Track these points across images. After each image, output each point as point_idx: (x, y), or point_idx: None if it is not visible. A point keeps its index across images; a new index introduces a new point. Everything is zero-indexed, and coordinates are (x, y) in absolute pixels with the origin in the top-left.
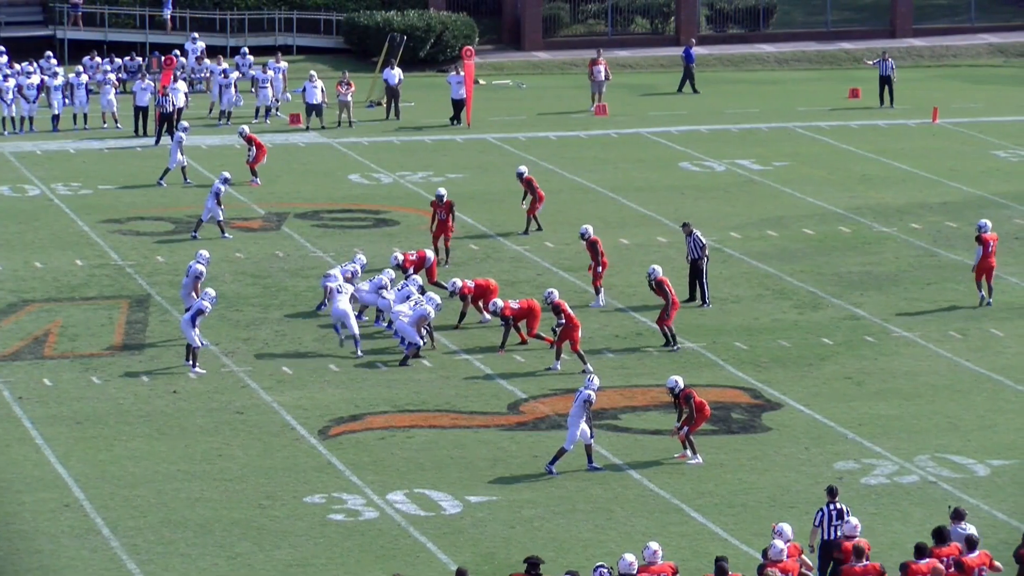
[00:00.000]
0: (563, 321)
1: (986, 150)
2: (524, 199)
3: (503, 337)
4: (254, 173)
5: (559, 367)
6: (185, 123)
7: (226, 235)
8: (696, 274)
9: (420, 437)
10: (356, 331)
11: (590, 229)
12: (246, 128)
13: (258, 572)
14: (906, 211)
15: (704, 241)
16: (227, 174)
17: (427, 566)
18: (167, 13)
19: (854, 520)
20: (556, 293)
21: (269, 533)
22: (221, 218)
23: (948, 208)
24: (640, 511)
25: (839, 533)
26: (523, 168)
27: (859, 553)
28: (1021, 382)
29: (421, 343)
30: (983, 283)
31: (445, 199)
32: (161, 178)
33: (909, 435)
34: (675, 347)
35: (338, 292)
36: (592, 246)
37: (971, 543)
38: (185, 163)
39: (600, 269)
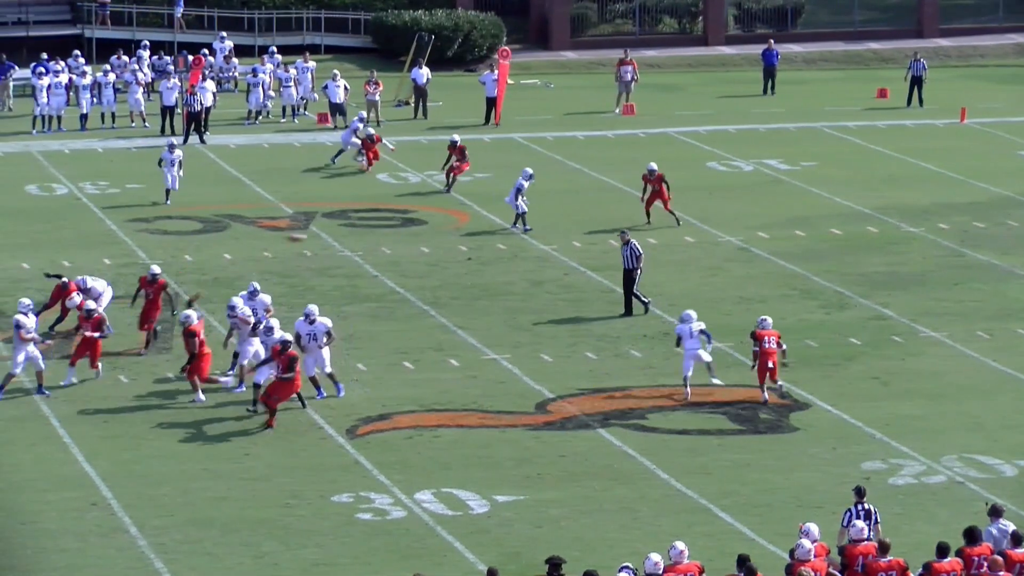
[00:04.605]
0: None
1: (1013, 150)
2: (448, 162)
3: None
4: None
5: (202, 399)
6: (174, 140)
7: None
8: (629, 284)
9: (447, 436)
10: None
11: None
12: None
13: (284, 571)
14: (932, 211)
15: (640, 251)
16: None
17: (454, 566)
18: (179, 11)
19: (860, 523)
20: (194, 317)
21: (295, 532)
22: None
23: (975, 208)
24: (666, 511)
25: (868, 535)
26: (456, 137)
27: (884, 548)
28: None
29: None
30: None
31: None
32: (167, 199)
33: (936, 435)
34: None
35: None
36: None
37: (1017, 539)
38: (176, 186)
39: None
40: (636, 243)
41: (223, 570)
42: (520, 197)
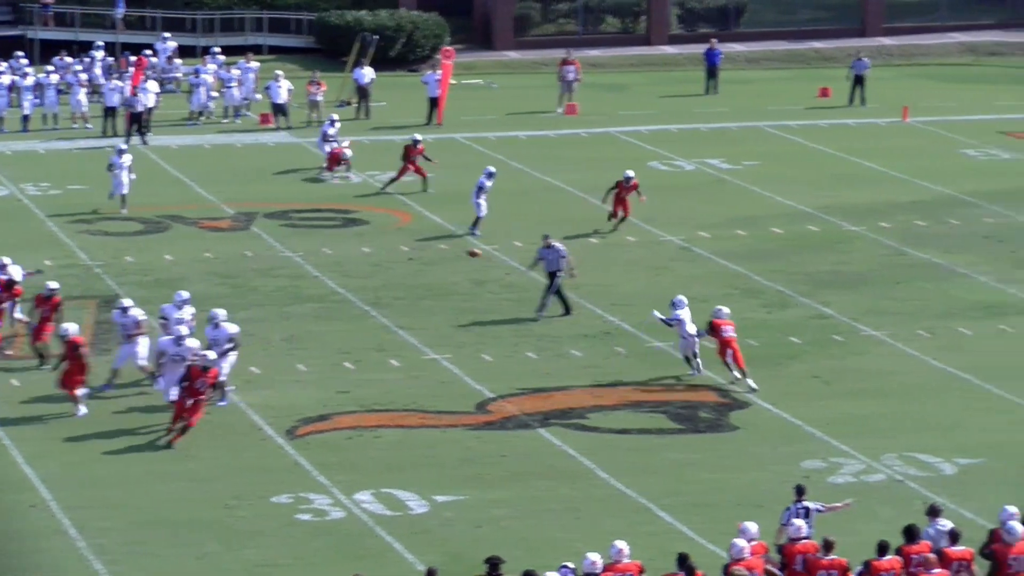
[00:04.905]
0: None
1: (955, 149)
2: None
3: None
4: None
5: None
6: (123, 145)
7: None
8: (550, 285)
9: (388, 437)
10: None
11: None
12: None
13: (226, 572)
14: (875, 210)
15: (564, 253)
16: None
17: (394, 566)
18: (119, 13)
19: (798, 522)
20: (72, 329)
21: (237, 533)
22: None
23: (917, 207)
24: (608, 511)
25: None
26: (417, 136)
27: (828, 546)
28: (989, 381)
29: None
30: None
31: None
32: (123, 206)
33: (876, 434)
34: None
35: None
36: None
37: (954, 536)
38: (127, 191)
39: None
40: (559, 245)
41: (165, 572)
42: (482, 196)
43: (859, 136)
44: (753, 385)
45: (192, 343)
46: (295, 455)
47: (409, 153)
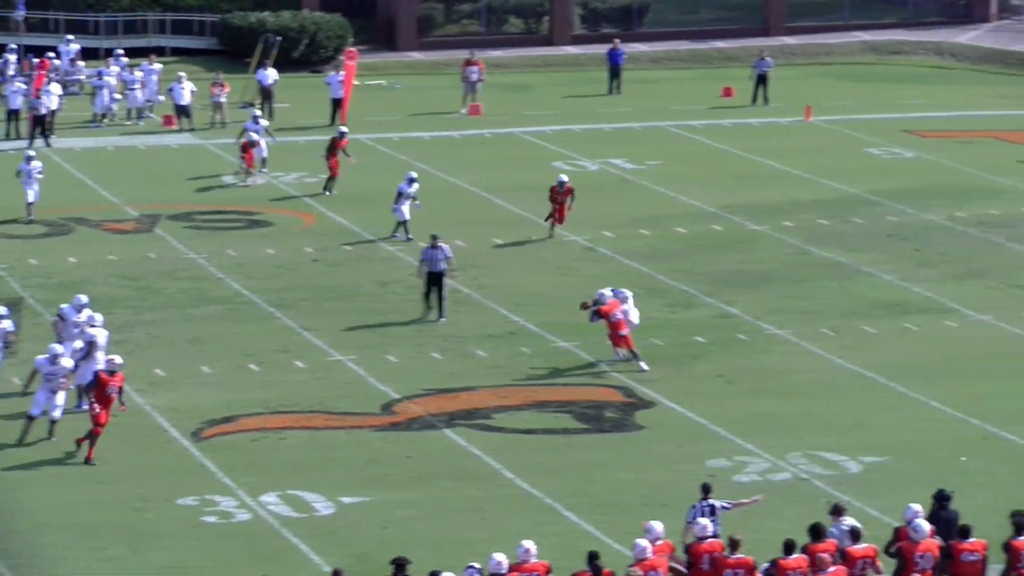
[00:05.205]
0: None
1: (858, 148)
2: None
3: None
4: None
5: None
6: (32, 152)
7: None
8: (437, 286)
9: (293, 438)
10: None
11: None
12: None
13: (132, 575)
14: (779, 209)
15: (450, 254)
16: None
17: (301, 567)
18: (20, 15)
19: (703, 520)
20: None
21: (143, 535)
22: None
23: (821, 206)
24: (514, 511)
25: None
26: (344, 129)
27: (734, 545)
28: (893, 379)
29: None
30: None
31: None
32: (29, 213)
33: (781, 433)
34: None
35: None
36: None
37: (856, 535)
38: (36, 199)
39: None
40: (446, 246)
41: (70, 574)
42: (404, 202)
43: (762, 135)
44: (644, 367)
45: (67, 363)
46: (200, 457)
47: (335, 145)
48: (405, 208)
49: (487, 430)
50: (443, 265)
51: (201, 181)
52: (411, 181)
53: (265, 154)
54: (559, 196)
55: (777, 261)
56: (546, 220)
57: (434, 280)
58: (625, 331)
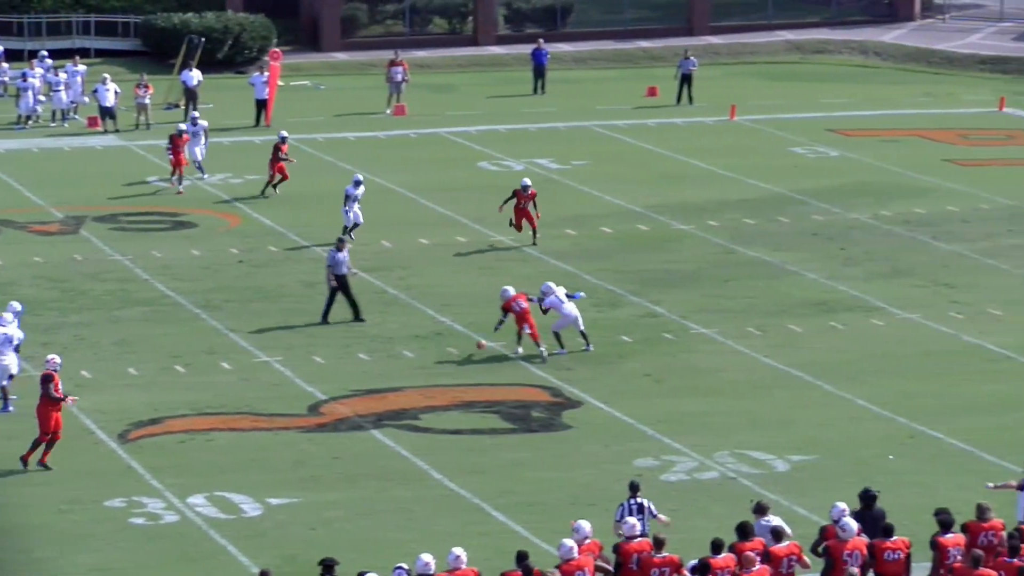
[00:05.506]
0: None
1: (783, 147)
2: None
3: None
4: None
5: None
6: None
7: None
8: (346, 289)
9: (220, 440)
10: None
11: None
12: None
13: None
14: (704, 208)
15: (347, 258)
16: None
17: (229, 569)
18: None
19: (631, 520)
20: None
21: (70, 537)
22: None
23: (746, 205)
24: (441, 511)
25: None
26: (284, 133)
27: (659, 544)
28: (820, 378)
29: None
30: None
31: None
32: None
33: (709, 432)
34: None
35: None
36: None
37: (777, 534)
38: None
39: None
40: (346, 251)
41: None
42: (352, 205)
43: (687, 135)
44: (545, 354)
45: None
46: (128, 459)
47: (279, 151)
48: (355, 210)
49: (415, 431)
50: (345, 268)
51: (126, 183)
52: (357, 184)
53: (200, 158)
54: (523, 200)
55: (703, 260)
56: (510, 225)
57: (340, 283)
58: (530, 323)
